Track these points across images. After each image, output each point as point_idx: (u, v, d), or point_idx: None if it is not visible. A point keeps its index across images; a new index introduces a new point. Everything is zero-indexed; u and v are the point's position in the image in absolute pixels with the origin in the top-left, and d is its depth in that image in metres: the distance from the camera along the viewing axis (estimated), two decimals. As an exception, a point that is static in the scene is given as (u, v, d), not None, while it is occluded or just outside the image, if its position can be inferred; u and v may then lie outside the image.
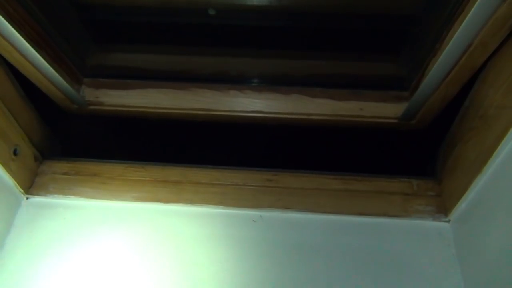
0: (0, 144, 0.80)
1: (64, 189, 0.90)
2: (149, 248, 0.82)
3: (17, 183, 0.86)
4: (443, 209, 0.84)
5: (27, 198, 0.89)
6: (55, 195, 0.89)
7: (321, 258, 0.80)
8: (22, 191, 0.88)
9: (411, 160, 0.95)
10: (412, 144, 0.96)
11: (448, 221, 0.83)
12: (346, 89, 0.92)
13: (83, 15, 0.92)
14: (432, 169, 0.91)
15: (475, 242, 0.75)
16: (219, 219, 0.86)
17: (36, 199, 0.89)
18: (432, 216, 0.84)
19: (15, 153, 0.84)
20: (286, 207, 0.86)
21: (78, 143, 1.01)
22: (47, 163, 0.94)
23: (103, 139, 1.05)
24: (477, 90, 0.75)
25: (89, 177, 0.91)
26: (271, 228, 0.84)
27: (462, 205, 0.78)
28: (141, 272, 0.80)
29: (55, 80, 0.86)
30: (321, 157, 1.00)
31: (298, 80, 0.94)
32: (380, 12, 0.91)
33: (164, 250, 0.82)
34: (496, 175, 0.69)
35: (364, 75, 0.94)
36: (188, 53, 0.97)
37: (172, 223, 0.86)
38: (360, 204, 0.86)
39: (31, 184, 0.91)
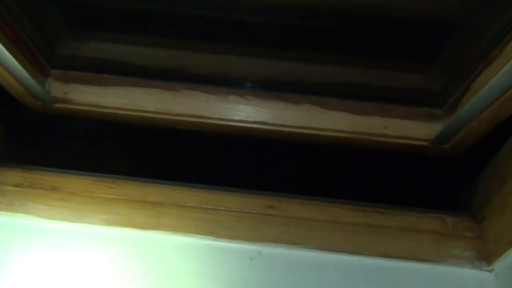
0: None
1: (14, 205, 0.74)
2: (118, 282, 0.68)
3: (-47, 194, 0.69)
4: (484, 255, 0.70)
5: (-35, 214, 0.73)
6: (1, 212, 0.74)
7: (335, 310, 0.66)
8: (-42, 204, 0.71)
9: (440, 191, 0.81)
10: (443, 172, 0.83)
11: (491, 271, 0.69)
12: (368, 102, 0.80)
13: (56, -8, 0.78)
14: (466, 204, 0.77)
15: (528, 300, 0.61)
16: (208, 253, 0.72)
17: (-24, 217, 0.73)
18: (472, 263, 0.70)
19: (-48, 156, 0.68)
20: (292, 242, 0.72)
21: (38, 149, 0.86)
22: (-5, 171, 0.79)
23: (70, 145, 0.90)
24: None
25: (47, 191, 0.76)
26: (272, 268, 0.70)
27: (513, 253, 0.64)
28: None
29: (12, 68, 0.72)
30: (336, 181, 0.87)
31: (312, 88, 0.81)
32: (411, 14, 0.79)
33: (136, 285, 0.68)
34: None
35: (390, 87, 0.82)
36: (181, 47, 0.84)
37: (149, 254, 0.71)
38: (382, 243, 0.72)
39: (-28, 196, 0.75)
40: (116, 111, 0.80)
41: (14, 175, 0.78)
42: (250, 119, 0.79)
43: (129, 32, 0.85)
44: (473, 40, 0.72)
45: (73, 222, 0.73)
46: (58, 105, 0.80)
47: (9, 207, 0.74)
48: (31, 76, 0.74)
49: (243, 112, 0.80)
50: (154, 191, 0.77)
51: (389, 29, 0.82)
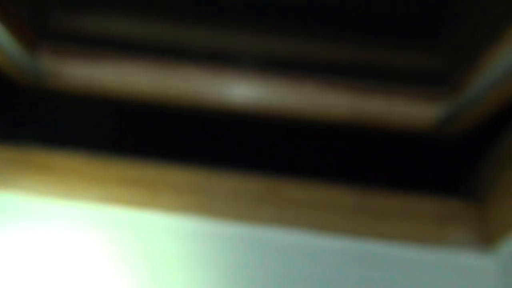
0: None
1: (4, 182, 0.72)
2: (111, 266, 0.66)
3: None
4: (486, 239, 0.69)
5: (-46, 190, 0.70)
6: (-8, 189, 0.71)
7: (333, 294, 0.64)
8: None
9: (443, 174, 0.79)
10: (446, 155, 0.81)
11: (493, 255, 0.67)
12: (371, 82, 0.76)
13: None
14: (469, 187, 0.75)
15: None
16: (204, 234, 0.69)
17: (-34, 193, 0.71)
18: (473, 246, 0.68)
19: None
20: (290, 224, 0.70)
21: (29, 126, 0.83)
22: (-16, 148, 0.76)
23: (61, 122, 0.87)
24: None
25: (39, 169, 0.73)
26: (269, 250, 0.68)
27: (517, 238, 0.62)
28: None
29: (0, 41, 0.67)
30: (336, 163, 0.84)
31: (314, 66, 0.78)
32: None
33: (130, 267, 0.65)
34: None
35: (394, 66, 0.79)
36: (177, 22, 0.81)
37: (143, 234, 0.69)
38: (383, 226, 0.70)
39: (-40, 173, 0.72)
40: (109, 87, 0.76)
41: (5, 151, 0.75)
42: (249, 97, 0.76)
43: (123, 6, 0.82)
44: (481, 17, 0.69)
45: (65, 199, 0.71)
46: (48, 80, 0.77)
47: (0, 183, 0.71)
48: (20, 50, 0.70)
49: (242, 90, 0.77)
50: (149, 171, 0.74)
51: (394, 6, 0.79)
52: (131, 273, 0.65)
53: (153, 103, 0.78)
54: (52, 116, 0.87)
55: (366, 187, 0.74)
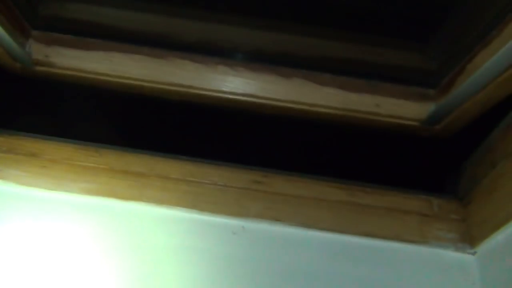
0: None
1: None
2: (98, 257, 0.65)
3: None
4: (468, 238, 0.69)
5: None
6: (-23, 177, 0.69)
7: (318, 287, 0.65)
8: None
9: (428, 173, 0.80)
10: (432, 154, 0.81)
11: (474, 254, 0.68)
12: (361, 79, 0.76)
13: None
14: (454, 187, 0.76)
15: (509, 284, 0.60)
16: (191, 226, 0.69)
17: (-51, 181, 0.69)
18: (454, 245, 0.69)
19: None
20: (276, 218, 0.70)
21: (18, 114, 0.82)
22: (-29, 135, 0.74)
23: (51, 111, 0.85)
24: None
25: (26, 157, 0.72)
26: (255, 243, 0.68)
27: (498, 237, 0.63)
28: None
29: (-9, 28, 0.67)
30: (323, 159, 0.84)
31: (305, 61, 0.77)
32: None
33: (119, 258, 0.65)
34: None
35: (384, 64, 0.79)
36: (169, 13, 0.79)
37: (130, 226, 0.68)
38: (368, 223, 0.71)
39: None
40: (100, 77, 0.75)
41: (-8, 139, 0.74)
42: (239, 91, 0.76)
43: (115, -5, 0.81)
44: (471, 20, 0.69)
45: (52, 190, 0.70)
46: (39, 68, 0.76)
47: (-14, 172, 0.70)
48: (10, 36, 0.69)
49: (232, 83, 0.76)
50: (137, 162, 0.74)
51: (386, 5, 0.79)
52: (120, 263, 0.65)
53: (143, 93, 0.77)
54: (42, 104, 0.86)
55: (353, 183, 0.74)
